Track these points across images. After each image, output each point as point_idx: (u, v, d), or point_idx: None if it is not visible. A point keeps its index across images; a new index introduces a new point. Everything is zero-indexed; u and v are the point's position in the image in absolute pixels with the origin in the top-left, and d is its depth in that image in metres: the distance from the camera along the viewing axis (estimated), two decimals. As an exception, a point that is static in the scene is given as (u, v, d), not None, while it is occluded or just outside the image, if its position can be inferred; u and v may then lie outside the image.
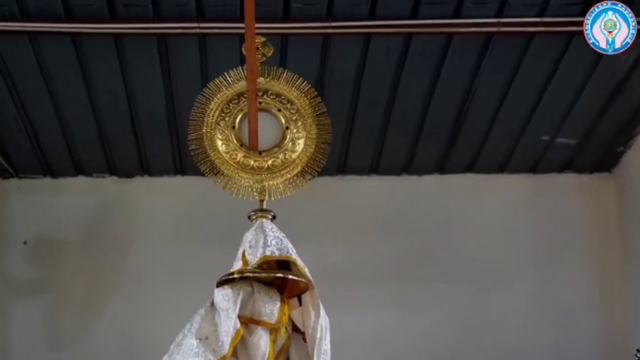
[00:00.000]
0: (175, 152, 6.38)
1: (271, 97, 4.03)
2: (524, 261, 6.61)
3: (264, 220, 3.80)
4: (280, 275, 3.70)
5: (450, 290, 6.50)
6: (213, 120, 3.98)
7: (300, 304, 3.79)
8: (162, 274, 6.42)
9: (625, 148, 6.50)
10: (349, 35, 5.34)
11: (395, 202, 6.68)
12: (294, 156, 3.97)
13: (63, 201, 6.57)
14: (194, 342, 3.53)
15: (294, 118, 4.01)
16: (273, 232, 3.73)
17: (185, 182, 6.61)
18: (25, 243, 6.51)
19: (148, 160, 6.48)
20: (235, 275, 3.66)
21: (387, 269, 6.50)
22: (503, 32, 5.31)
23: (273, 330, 3.68)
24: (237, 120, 3.98)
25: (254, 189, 3.91)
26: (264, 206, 3.87)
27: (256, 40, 3.99)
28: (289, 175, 3.95)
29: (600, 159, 6.64)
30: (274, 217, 3.84)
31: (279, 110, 4.01)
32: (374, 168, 6.66)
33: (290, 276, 3.70)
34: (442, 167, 6.68)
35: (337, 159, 6.42)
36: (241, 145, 3.95)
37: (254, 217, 3.83)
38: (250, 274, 3.65)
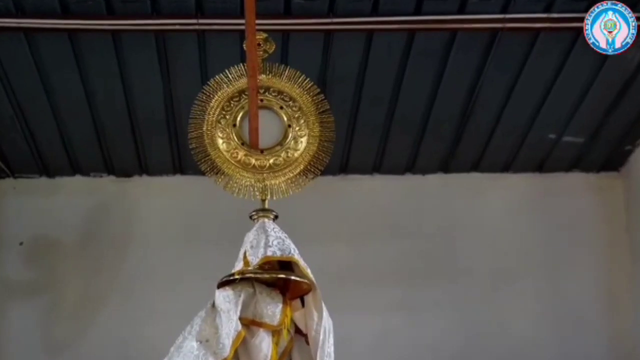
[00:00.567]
0: (175, 151, 6.34)
1: (273, 94, 3.98)
2: (530, 262, 6.57)
3: (266, 220, 3.75)
4: (282, 276, 3.65)
5: (455, 291, 6.47)
6: (213, 118, 3.93)
7: (303, 305, 3.74)
8: (161, 276, 6.38)
9: (634, 147, 6.48)
10: (351, 32, 5.32)
11: (399, 202, 6.65)
12: (296, 155, 3.92)
13: (60, 201, 6.54)
14: (195, 344, 3.49)
15: (296, 116, 3.96)
16: (275, 232, 3.69)
17: (184, 181, 6.57)
18: (21, 244, 6.48)
19: (146, 159, 6.45)
20: (237, 276, 3.61)
21: (390, 270, 6.47)
22: (508, 28, 5.30)
23: (275, 333, 3.65)
24: (238, 118, 3.93)
25: (256, 188, 3.85)
26: (266, 206, 3.82)
27: (257, 37, 3.95)
28: (291, 174, 3.90)
29: (608, 158, 6.61)
30: (276, 217, 3.79)
31: (281, 107, 3.97)
32: (377, 167, 6.63)
33: (292, 277, 3.65)
34: (446, 166, 6.64)
35: (339, 157, 6.41)
36: (242, 144, 3.90)
37: (255, 217, 3.78)
38: (252, 275, 3.61)
